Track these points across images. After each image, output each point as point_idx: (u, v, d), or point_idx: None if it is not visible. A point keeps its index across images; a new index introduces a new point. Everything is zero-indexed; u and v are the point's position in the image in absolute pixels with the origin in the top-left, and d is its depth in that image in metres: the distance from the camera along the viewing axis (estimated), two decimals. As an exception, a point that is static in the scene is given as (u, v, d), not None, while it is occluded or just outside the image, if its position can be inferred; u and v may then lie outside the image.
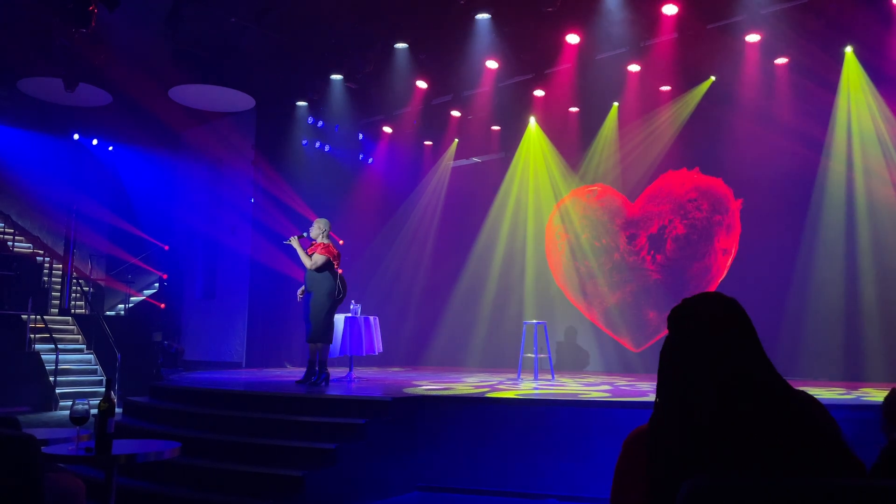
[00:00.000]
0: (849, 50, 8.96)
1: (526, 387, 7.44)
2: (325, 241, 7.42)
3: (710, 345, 1.40)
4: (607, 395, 6.51)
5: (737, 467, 1.26)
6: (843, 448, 1.30)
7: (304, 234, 7.46)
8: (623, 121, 10.92)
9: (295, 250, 7.41)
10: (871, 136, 9.00)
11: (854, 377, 8.51)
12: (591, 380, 8.83)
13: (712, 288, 9.99)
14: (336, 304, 7.43)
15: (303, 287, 7.51)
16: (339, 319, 7.99)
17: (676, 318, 1.48)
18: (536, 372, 8.88)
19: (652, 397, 6.08)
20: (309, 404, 6.17)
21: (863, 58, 8.95)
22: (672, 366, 1.43)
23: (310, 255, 7.31)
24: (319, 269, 7.29)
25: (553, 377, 8.93)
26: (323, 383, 7.31)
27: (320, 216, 11.33)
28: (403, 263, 12.84)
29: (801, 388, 1.42)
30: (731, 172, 10.01)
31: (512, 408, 5.91)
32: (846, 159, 9.13)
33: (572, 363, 11.28)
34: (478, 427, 5.87)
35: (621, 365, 10.68)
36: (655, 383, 1.48)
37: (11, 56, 10.02)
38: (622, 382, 8.27)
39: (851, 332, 8.75)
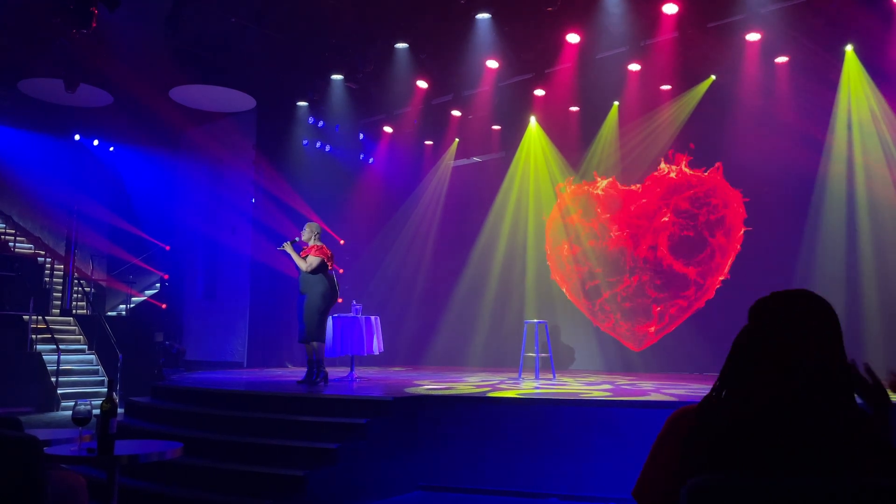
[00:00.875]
0: (849, 48, 8.96)
1: (527, 386, 7.44)
2: (318, 244, 7.43)
3: (785, 338, 1.39)
4: (608, 394, 6.52)
5: (771, 464, 1.25)
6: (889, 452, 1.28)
7: (297, 239, 7.48)
8: (623, 120, 10.92)
9: (296, 248, 7.43)
10: (872, 135, 9.00)
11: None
12: (593, 379, 8.83)
13: (713, 288, 9.99)
14: (329, 305, 7.45)
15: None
16: (330, 320, 8.03)
17: (760, 309, 1.47)
18: (538, 371, 8.88)
19: (654, 397, 6.09)
20: (310, 404, 6.18)
21: (863, 56, 8.95)
22: (742, 353, 1.42)
23: (304, 258, 7.32)
24: (314, 271, 7.30)
25: (554, 377, 8.93)
26: (321, 382, 7.32)
27: (321, 216, 11.37)
28: (404, 263, 12.84)
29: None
30: (731, 171, 10.00)
31: (513, 407, 5.91)
32: (847, 158, 9.13)
33: (573, 362, 11.29)
34: (479, 426, 5.87)
35: (622, 364, 10.68)
36: (719, 373, 1.46)
37: (12, 57, 10.03)
38: (623, 382, 8.28)
39: (852, 331, 8.75)
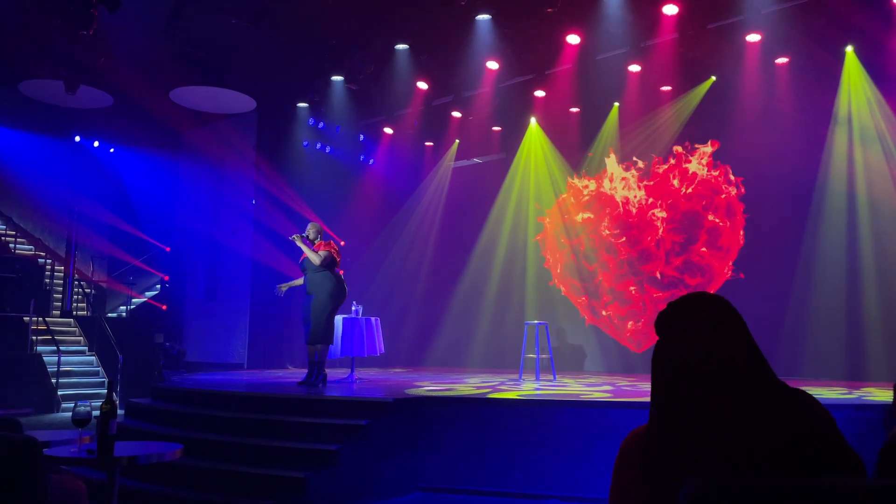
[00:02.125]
0: (849, 49, 8.96)
1: (527, 387, 7.44)
2: (325, 241, 7.47)
3: (694, 341, 1.40)
4: (609, 395, 6.51)
5: (729, 466, 1.26)
6: (841, 444, 1.29)
7: (305, 235, 7.48)
8: (624, 121, 10.92)
9: (298, 249, 7.43)
10: (872, 135, 9.00)
11: (856, 377, 8.50)
12: (593, 380, 8.83)
13: (713, 288, 9.98)
14: (338, 305, 7.45)
15: (285, 284, 7.54)
16: (339, 320, 8.01)
17: (662, 321, 1.48)
18: (538, 372, 8.87)
19: (653, 397, 6.08)
20: (311, 405, 6.18)
21: (863, 57, 8.95)
22: (661, 367, 1.43)
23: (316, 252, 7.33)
24: (325, 267, 7.31)
25: (555, 378, 8.93)
26: (320, 384, 7.32)
27: (321, 217, 11.36)
28: (404, 264, 12.84)
29: (803, 388, 1.41)
30: (732, 172, 9.99)
31: (513, 408, 5.91)
32: (847, 158, 9.13)
33: (574, 364, 11.28)
34: (479, 428, 5.87)
35: (623, 365, 10.67)
36: (650, 399, 1.48)
37: (13, 58, 10.04)
38: (624, 383, 8.28)
39: (853, 331, 8.75)
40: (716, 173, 10.13)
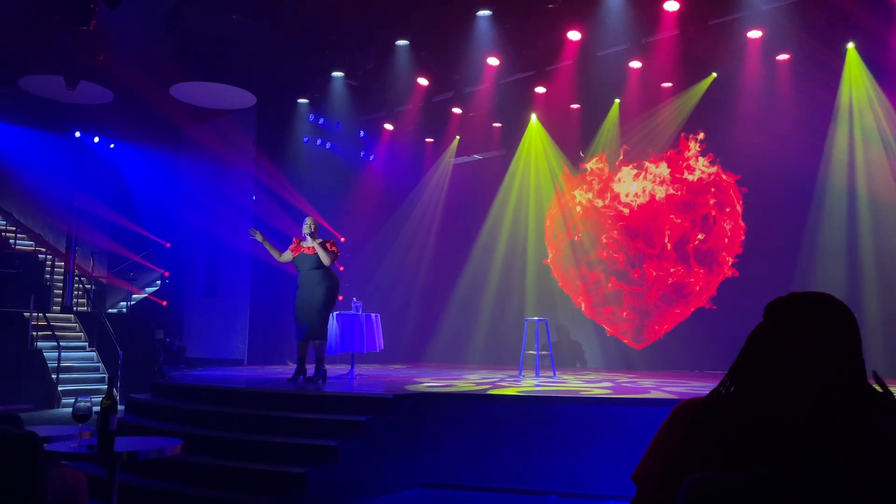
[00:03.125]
0: (851, 45, 8.94)
1: (527, 384, 7.44)
2: (329, 241, 7.46)
3: (813, 344, 1.37)
4: (609, 392, 6.51)
5: (780, 464, 1.25)
6: None
7: (310, 233, 7.38)
8: (624, 117, 10.91)
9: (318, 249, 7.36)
10: (873, 132, 8.99)
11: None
12: (593, 377, 8.83)
13: (714, 285, 9.99)
14: (335, 300, 7.46)
15: (265, 241, 7.41)
16: (335, 316, 8.03)
17: (777, 308, 1.44)
18: (538, 369, 8.88)
19: (654, 394, 6.08)
20: (310, 401, 6.18)
21: (864, 53, 8.93)
22: (756, 352, 1.40)
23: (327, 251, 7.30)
24: (328, 265, 7.32)
25: (554, 374, 8.93)
26: (320, 380, 7.34)
27: (321, 213, 11.37)
28: (405, 260, 12.84)
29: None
30: (732, 168, 9.99)
31: (513, 405, 5.92)
32: (848, 155, 9.12)
33: (574, 360, 11.29)
34: (479, 424, 5.88)
35: (623, 362, 10.68)
36: (730, 368, 1.44)
37: (13, 54, 10.02)
38: (624, 379, 8.28)
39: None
40: (713, 169, 10.13)
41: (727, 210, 10.05)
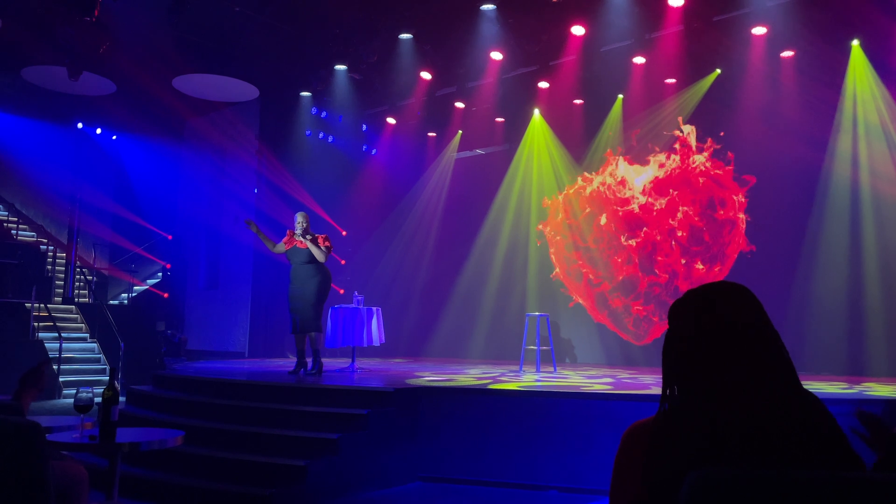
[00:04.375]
0: (855, 43, 8.91)
1: (528, 379, 7.45)
2: (321, 236, 7.44)
3: (726, 336, 1.36)
4: (609, 387, 6.52)
5: (735, 459, 1.25)
6: (847, 447, 1.29)
7: (303, 230, 7.38)
8: (628, 113, 10.89)
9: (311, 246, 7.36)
10: (877, 129, 8.96)
11: (856, 372, 8.50)
12: (594, 372, 8.84)
13: (715, 280, 9.97)
14: (327, 294, 7.47)
15: (259, 231, 7.40)
16: (330, 310, 8.06)
17: (689, 307, 1.43)
18: (538, 364, 8.89)
19: (655, 390, 6.08)
20: (311, 394, 6.19)
21: (869, 51, 8.91)
22: (682, 358, 1.39)
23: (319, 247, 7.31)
24: (323, 261, 7.34)
25: (555, 369, 8.94)
26: (315, 373, 7.36)
27: (323, 207, 11.36)
28: (406, 255, 12.84)
29: (803, 383, 1.40)
30: (735, 165, 9.97)
31: (514, 399, 5.92)
32: (851, 152, 9.09)
33: (574, 355, 11.30)
34: (480, 418, 5.89)
35: (623, 358, 10.68)
36: (661, 376, 1.45)
37: (15, 44, 10.00)
38: (624, 375, 8.28)
39: (854, 326, 8.74)
40: (717, 166, 10.12)
41: (730, 206, 10.03)
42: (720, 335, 1.37)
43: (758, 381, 1.32)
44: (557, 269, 11.37)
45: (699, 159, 10.24)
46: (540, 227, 11.57)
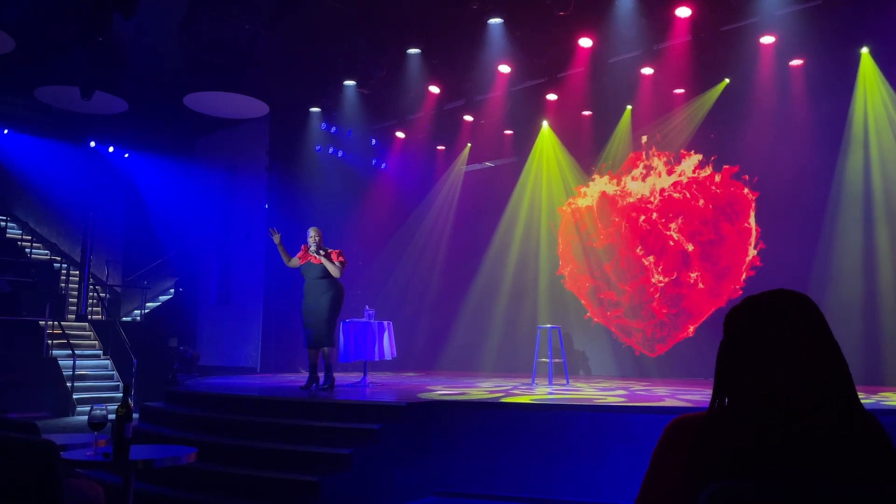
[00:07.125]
0: (865, 50, 8.89)
1: (541, 392, 7.41)
2: (334, 251, 7.44)
3: (783, 347, 1.34)
4: (623, 400, 6.47)
5: (779, 468, 1.23)
6: None
7: (316, 246, 7.38)
8: (637, 124, 10.88)
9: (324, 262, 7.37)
10: (888, 136, 8.92)
11: (872, 381, 8.41)
12: (607, 385, 8.78)
13: (726, 291, 9.92)
14: (340, 308, 7.48)
15: (281, 245, 7.40)
16: (343, 325, 8.06)
17: (746, 315, 1.40)
18: (551, 377, 8.84)
19: (669, 402, 6.03)
20: (324, 409, 6.18)
21: (879, 58, 8.88)
22: (736, 366, 1.36)
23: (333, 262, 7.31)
24: (338, 276, 7.35)
25: (568, 382, 8.89)
26: (327, 388, 7.35)
27: (334, 221, 11.38)
28: (417, 268, 12.85)
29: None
30: (746, 174, 9.94)
31: (527, 413, 5.89)
32: (863, 160, 9.05)
33: (587, 368, 11.23)
34: (493, 432, 5.85)
35: (637, 370, 10.61)
36: (713, 381, 1.42)
37: (29, 65, 10.15)
38: (638, 387, 8.22)
39: (869, 335, 8.65)
40: (727, 176, 10.08)
41: (741, 216, 9.99)
42: (777, 345, 1.35)
43: (814, 394, 1.30)
44: (570, 283, 11.34)
45: (709, 170, 10.22)
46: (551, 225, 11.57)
